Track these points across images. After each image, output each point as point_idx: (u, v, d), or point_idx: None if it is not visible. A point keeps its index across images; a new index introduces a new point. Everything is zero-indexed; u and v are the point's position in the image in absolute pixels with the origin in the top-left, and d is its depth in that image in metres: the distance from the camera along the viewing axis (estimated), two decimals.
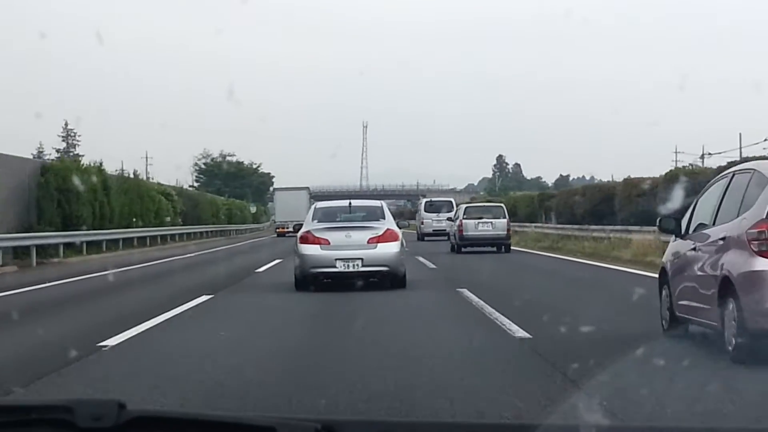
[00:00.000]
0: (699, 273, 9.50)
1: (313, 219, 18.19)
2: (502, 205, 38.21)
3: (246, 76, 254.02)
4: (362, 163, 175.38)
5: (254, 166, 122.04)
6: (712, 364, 8.52)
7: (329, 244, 17.31)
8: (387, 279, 17.39)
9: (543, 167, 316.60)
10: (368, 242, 17.37)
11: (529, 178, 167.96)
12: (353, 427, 2.72)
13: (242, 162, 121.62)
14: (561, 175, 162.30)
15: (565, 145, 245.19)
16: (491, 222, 33.82)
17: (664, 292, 10.72)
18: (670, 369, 8.22)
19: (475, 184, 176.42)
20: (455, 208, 41.32)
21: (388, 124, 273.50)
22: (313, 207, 19.36)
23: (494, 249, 33.51)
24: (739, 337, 8.25)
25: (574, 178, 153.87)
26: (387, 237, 17.50)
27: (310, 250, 17.33)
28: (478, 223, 33.62)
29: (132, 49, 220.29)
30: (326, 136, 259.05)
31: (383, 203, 19.89)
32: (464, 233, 33.60)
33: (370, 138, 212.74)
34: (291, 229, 64.69)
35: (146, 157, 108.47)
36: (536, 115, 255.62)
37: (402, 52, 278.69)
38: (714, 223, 9.58)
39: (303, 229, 17.98)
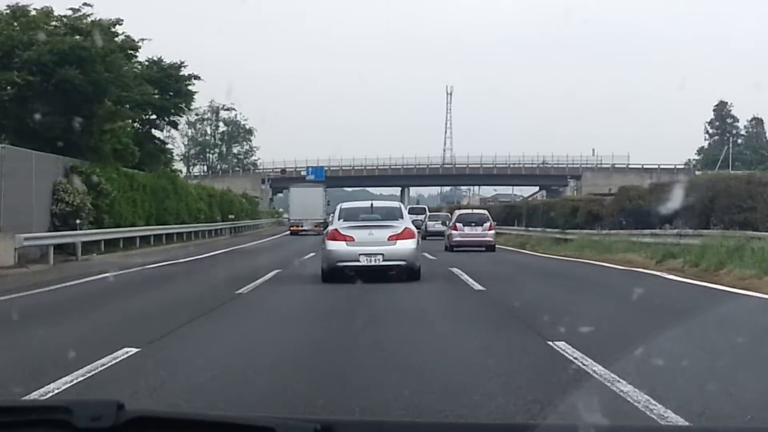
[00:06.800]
0: (447, 234, 41.30)
1: (338, 218, 20.57)
2: (448, 214, 59.10)
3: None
4: (445, 144, 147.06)
5: None
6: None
7: (354, 240, 19.59)
8: (404, 272, 19.76)
9: None
10: (388, 239, 19.71)
11: None
12: (352, 428, 2.73)
13: None
14: None
15: None
16: (440, 222, 56.23)
17: (444, 241, 41.60)
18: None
19: (683, 161, 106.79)
20: (425, 214, 64.30)
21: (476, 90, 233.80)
22: (338, 207, 21.66)
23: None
24: (448, 245, 39.37)
25: None
26: (405, 235, 19.93)
27: (336, 246, 19.61)
28: (435, 223, 56.20)
29: None
30: (407, 109, 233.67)
31: (401, 204, 22.54)
32: (426, 229, 54.93)
33: (457, 105, 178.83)
34: (306, 228, 62.40)
35: None
36: None
37: None
38: (450, 222, 42.99)
39: (330, 228, 20.44)
